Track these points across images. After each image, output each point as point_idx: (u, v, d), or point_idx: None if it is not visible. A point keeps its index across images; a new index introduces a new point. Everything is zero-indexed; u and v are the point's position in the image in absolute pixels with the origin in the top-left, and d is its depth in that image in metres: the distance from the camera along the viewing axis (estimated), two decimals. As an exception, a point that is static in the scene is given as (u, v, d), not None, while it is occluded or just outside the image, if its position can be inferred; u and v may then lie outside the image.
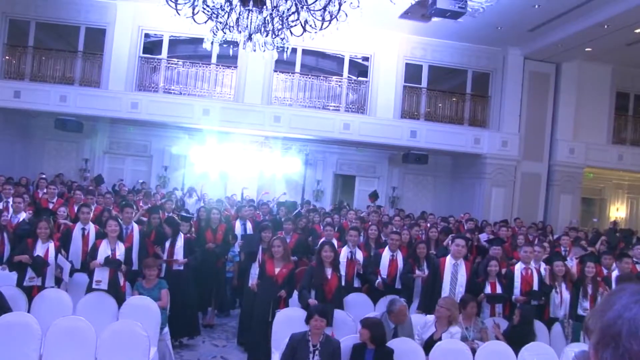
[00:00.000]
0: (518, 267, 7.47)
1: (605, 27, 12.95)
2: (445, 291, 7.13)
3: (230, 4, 5.13)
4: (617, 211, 18.67)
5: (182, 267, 7.71)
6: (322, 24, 5.31)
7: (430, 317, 6.13)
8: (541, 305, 7.15)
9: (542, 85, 16.50)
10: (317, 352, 5.08)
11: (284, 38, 5.58)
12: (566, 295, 7.21)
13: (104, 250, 6.85)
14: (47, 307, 6.19)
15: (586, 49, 14.89)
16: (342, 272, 7.36)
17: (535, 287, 7.26)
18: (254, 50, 5.75)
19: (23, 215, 8.70)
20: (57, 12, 15.25)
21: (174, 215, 9.40)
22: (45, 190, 11.25)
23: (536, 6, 12.66)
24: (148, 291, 6.78)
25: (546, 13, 13.03)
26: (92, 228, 7.87)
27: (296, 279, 7.06)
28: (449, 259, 7.24)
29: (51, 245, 6.90)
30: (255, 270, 7.59)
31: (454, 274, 7.18)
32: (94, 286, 6.66)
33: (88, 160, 16.97)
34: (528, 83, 16.36)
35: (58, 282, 6.97)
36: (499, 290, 7.18)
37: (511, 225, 13.00)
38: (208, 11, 5.35)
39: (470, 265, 7.39)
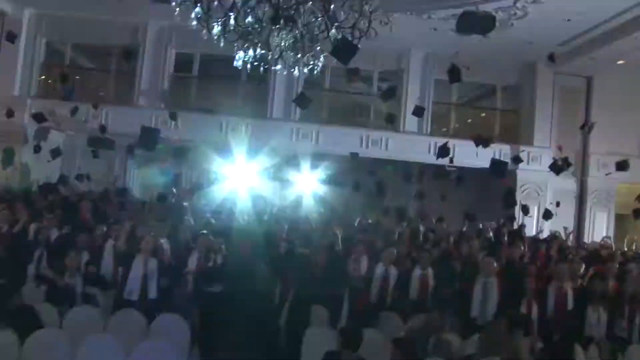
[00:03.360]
0: (551, 286, 7.32)
1: (637, 38, 12.75)
2: (475, 311, 7.04)
3: (261, 22, 5.18)
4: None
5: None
6: (352, 41, 5.33)
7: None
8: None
9: (574, 99, 16.27)
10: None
11: (314, 56, 5.61)
12: (603, 315, 7.01)
13: (136, 265, 6.95)
14: (77, 324, 6.25)
15: (618, 62, 14.66)
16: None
17: (570, 306, 7.09)
18: (284, 69, 5.79)
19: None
20: (90, 32, 15.56)
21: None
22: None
23: (568, 20, 12.53)
24: (179, 309, 6.80)
25: (577, 26, 12.88)
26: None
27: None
28: (480, 276, 7.15)
29: None
30: None
31: (484, 293, 7.08)
32: (125, 296, 6.73)
33: (118, 176, 17.15)
34: (559, 97, 16.15)
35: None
36: (534, 309, 7.02)
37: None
38: (239, 30, 5.40)
39: (502, 283, 7.25)
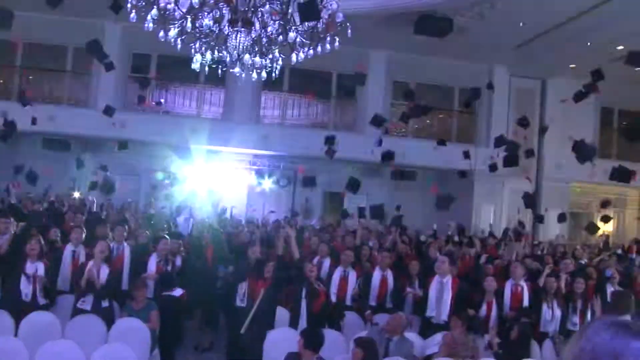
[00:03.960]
0: (508, 284, 7.49)
1: (588, 44, 13.15)
2: (431, 310, 7.16)
3: (219, 25, 5.16)
4: (605, 225, 18.77)
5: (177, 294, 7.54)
6: (311, 44, 5.35)
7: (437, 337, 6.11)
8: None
9: (529, 101, 16.68)
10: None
11: (272, 58, 5.62)
12: (557, 311, 7.22)
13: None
14: (34, 331, 6.11)
15: (570, 66, 15.09)
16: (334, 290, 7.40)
17: (525, 303, 7.28)
18: (242, 72, 5.77)
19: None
20: (45, 32, 15.23)
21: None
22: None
23: (521, 24, 12.83)
24: (137, 313, 6.72)
25: (531, 30, 13.21)
26: (82, 250, 7.78)
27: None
28: (436, 277, 7.27)
29: (40, 266, 6.82)
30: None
31: (439, 292, 7.20)
32: (78, 305, 6.60)
33: (76, 180, 16.84)
34: (515, 99, 16.53)
35: None
36: (494, 310, 7.17)
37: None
38: (197, 32, 5.37)
39: (457, 282, 7.39)
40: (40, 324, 6.24)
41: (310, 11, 4.77)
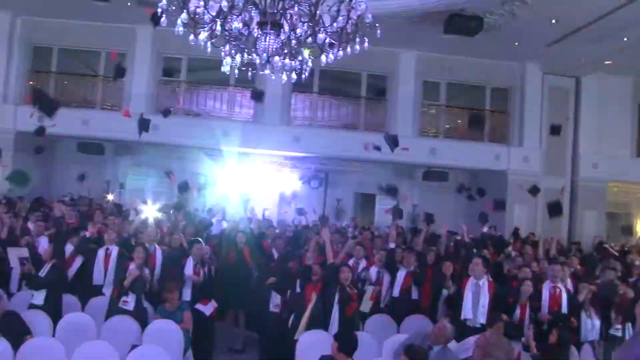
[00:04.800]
0: (546, 286, 7.32)
1: (625, 39, 12.83)
2: (467, 312, 7.04)
3: (248, 27, 5.17)
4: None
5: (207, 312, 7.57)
6: (340, 45, 5.32)
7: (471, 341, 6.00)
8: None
9: (563, 99, 16.39)
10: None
11: (302, 60, 5.60)
12: (597, 320, 7.02)
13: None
14: (71, 331, 6.22)
15: (606, 62, 14.76)
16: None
17: (564, 307, 7.09)
18: (272, 74, 5.77)
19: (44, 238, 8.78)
20: (78, 37, 15.54)
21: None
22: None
23: (553, 21, 12.58)
24: (170, 314, 6.77)
25: (564, 27, 12.93)
26: (115, 250, 7.92)
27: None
28: (471, 279, 7.15)
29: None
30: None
31: (475, 295, 7.08)
32: (120, 305, 6.69)
33: (110, 182, 17.12)
34: (548, 98, 16.26)
35: None
36: (527, 313, 7.03)
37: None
38: (226, 35, 5.39)
39: (494, 284, 7.26)
40: (76, 324, 6.35)
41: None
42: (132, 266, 6.92)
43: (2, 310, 5.75)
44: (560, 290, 7.22)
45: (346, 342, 4.93)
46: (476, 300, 6.98)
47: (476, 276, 7.12)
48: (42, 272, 6.99)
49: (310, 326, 6.50)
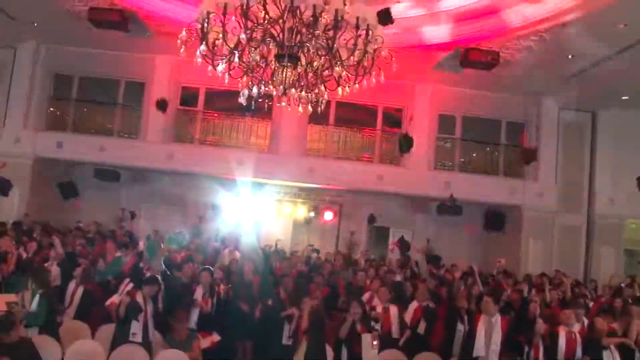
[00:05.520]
0: (562, 331, 7.19)
1: (641, 75, 12.81)
2: (479, 349, 6.93)
3: (266, 60, 5.23)
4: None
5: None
6: (356, 78, 5.36)
7: None
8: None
9: (579, 134, 16.30)
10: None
11: (318, 92, 5.64)
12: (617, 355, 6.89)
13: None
14: (80, 359, 6.19)
15: (623, 98, 14.71)
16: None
17: (579, 352, 6.95)
18: (288, 106, 5.81)
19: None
20: (98, 66, 15.83)
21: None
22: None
23: (569, 56, 12.59)
24: (179, 344, 6.72)
25: (581, 62, 12.92)
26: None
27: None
28: (484, 315, 7.05)
29: None
30: None
31: (488, 331, 6.97)
32: (130, 339, 6.65)
33: (125, 210, 17.19)
34: (564, 132, 16.17)
35: None
36: (541, 353, 6.91)
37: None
38: (244, 67, 5.45)
39: (507, 322, 7.15)
40: (85, 353, 6.31)
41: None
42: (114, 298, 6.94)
43: (18, 336, 5.73)
44: (576, 335, 7.10)
45: None
46: (488, 337, 6.88)
47: (488, 313, 7.02)
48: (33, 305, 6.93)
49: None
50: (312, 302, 7.35)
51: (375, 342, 6.91)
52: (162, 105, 14.03)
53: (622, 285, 11.86)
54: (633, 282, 11.55)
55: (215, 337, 7.37)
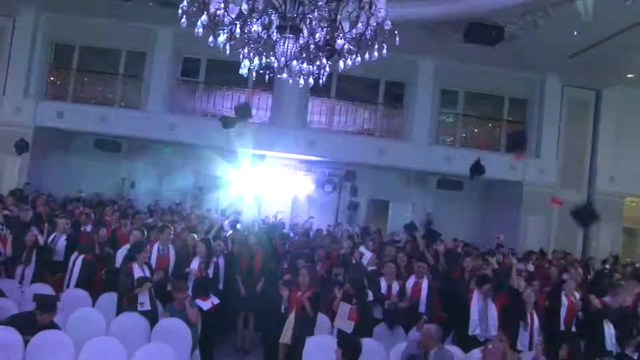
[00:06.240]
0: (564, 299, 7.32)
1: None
2: (474, 328, 7.02)
3: (268, 31, 5.18)
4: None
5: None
6: (358, 51, 5.31)
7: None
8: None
9: (582, 112, 16.24)
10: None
11: (319, 65, 5.60)
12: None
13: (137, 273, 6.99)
14: (81, 326, 6.26)
15: (628, 75, 14.62)
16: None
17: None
18: (289, 78, 5.78)
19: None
20: (99, 36, 15.70)
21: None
22: (81, 209, 11.58)
23: (575, 33, 12.47)
24: (179, 313, 6.79)
25: (586, 39, 12.81)
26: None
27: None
28: (475, 293, 7.13)
29: None
30: None
31: (483, 308, 7.06)
32: (138, 309, 6.74)
33: (125, 180, 17.26)
34: (567, 109, 16.11)
35: None
36: (536, 322, 7.01)
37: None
38: (245, 38, 5.40)
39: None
40: (86, 320, 6.38)
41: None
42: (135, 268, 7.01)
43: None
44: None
45: (350, 348, 4.91)
46: (484, 313, 6.97)
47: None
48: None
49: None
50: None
51: (352, 314, 6.92)
52: (21, 147, 13.51)
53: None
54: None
55: (215, 300, 7.46)
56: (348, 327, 6.78)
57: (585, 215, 10.70)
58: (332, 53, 5.28)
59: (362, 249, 9.65)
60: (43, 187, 14.51)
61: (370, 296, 7.41)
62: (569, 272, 9.36)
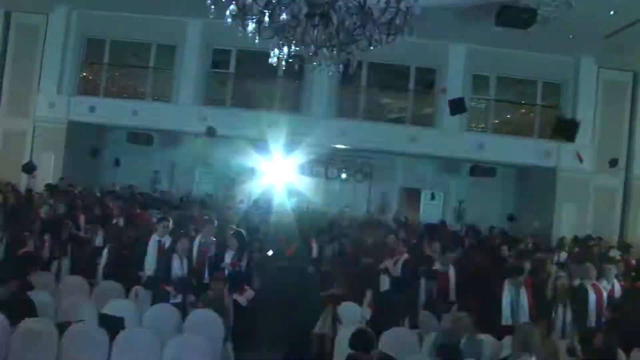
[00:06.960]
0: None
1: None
2: (506, 319, 6.94)
3: (297, 19, 5.14)
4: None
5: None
6: (388, 37, 5.24)
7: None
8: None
9: (619, 94, 15.80)
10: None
11: (350, 52, 5.54)
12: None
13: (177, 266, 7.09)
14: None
15: (667, 56, 14.20)
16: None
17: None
18: (320, 65, 5.74)
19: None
20: (130, 30, 15.86)
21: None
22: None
23: (611, 12, 12.11)
24: (214, 302, 6.82)
25: (622, 19, 12.43)
26: (168, 241, 8.07)
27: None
28: (507, 281, 7.05)
29: None
30: None
31: (515, 298, 6.98)
32: (171, 301, 6.82)
33: (158, 172, 17.46)
34: (603, 92, 15.69)
35: None
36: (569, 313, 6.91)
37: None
38: (274, 27, 5.37)
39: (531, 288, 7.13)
40: (120, 312, 6.45)
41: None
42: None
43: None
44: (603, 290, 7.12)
45: (360, 339, 4.87)
46: (516, 303, 6.89)
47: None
48: None
49: None
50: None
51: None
52: (28, 168, 13.45)
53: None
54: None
55: (250, 293, 7.51)
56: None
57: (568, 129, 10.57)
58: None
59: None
60: (77, 181, 14.75)
61: None
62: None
